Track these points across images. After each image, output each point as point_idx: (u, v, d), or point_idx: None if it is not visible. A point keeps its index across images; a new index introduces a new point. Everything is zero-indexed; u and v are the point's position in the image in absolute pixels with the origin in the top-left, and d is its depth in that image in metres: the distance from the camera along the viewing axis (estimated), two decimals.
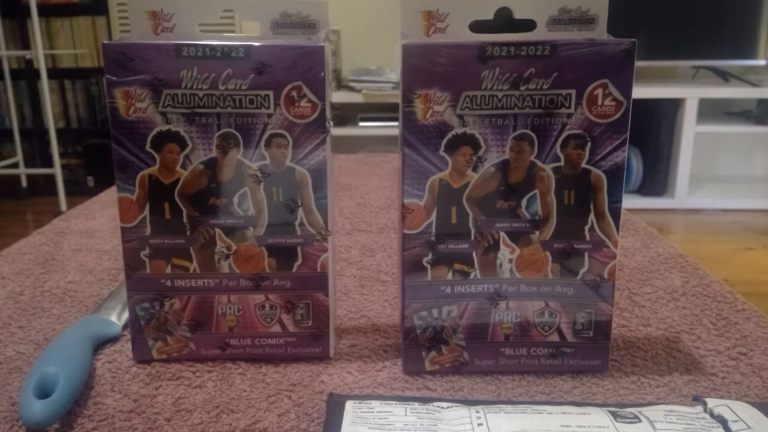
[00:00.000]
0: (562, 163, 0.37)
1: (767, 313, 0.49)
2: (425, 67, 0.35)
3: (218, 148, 0.37)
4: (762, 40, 2.49)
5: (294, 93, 0.37)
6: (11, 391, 0.38)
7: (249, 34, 0.41)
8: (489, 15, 0.37)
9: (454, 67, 0.35)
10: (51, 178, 2.75)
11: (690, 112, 2.45)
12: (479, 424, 0.31)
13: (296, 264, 0.39)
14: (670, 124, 2.51)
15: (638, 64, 2.40)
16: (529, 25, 0.37)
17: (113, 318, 0.45)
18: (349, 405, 0.34)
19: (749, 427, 0.31)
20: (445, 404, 0.34)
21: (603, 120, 0.36)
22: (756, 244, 2.16)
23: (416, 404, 0.34)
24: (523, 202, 0.37)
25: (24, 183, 2.95)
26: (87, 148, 3.03)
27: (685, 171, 2.52)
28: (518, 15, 0.37)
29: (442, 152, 0.36)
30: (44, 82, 2.57)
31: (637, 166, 2.56)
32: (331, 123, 0.38)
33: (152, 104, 0.37)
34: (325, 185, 0.38)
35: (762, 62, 2.51)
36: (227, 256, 0.39)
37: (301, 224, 0.39)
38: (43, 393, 0.34)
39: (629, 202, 2.53)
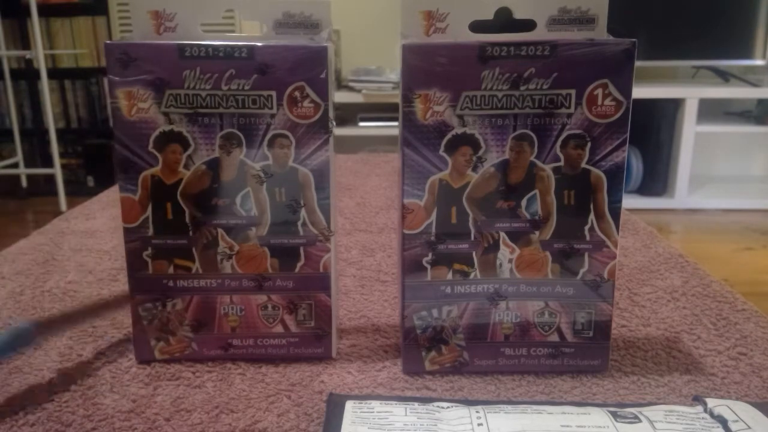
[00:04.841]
0: (562, 163, 0.37)
1: (767, 313, 0.49)
2: (425, 67, 0.35)
3: (221, 149, 0.38)
4: (761, 40, 2.49)
5: (297, 93, 0.37)
6: (11, 391, 0.38)
7: (250, 33, 0.41)
8: (489, 15, 0.37)
9: (454, 67, 0.35)
10: (51, 178, 2.75)
11: (690, 112, 2.45)
12: (479, 424, 0.31)
13: (299, 264, 0.40)
14: (670, 124, 2.51)
15: (638, 64, 2.40)
16: (529, 25, 0.37)
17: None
18: (349, 405, 0.34)
19: (749, 427, 0.31)
20: (445, 404, 0.34)
21: (603, 120, 0.36)
22: (756, 244, 2.16)
23: (416, 404, 0.34)
24: (523, 202, 0.37)
25: (24, 183, 2.95)
26: (87, 148, 3.02)
27: (685, 171, 2.52)
28: (518, 15, 0.37)
29: (442, 152, 0.36)
30: (44, 82, 2.57)
31: (637, 166, 2.56)
32: (334, 123, 0.38)
33: (155, 104, 0.37)
34: (327, 185, 0.38)
35: (762, 62, 2.51)
36: (230, 257, 0.39)
37: (304, 224, 0.39)
38: None
39: (629, 202, 2.53)
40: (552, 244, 0.38)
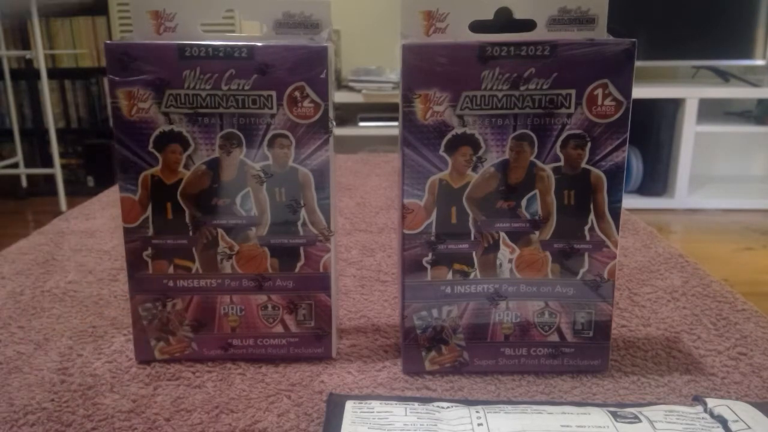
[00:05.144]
0: (562, 163, 0.37)
1: (767, 313, 0.49)
2: (425, 67, 0.35)
3: (221, 149, 0.38)
4: (762, 40, 2.49)
5: (297, 93, 0.37)
6: (11, 391, 0.38)
7: (250, 33, 0.41)
8: (489, 15, 0.37)
9: (454, 67, 0.35)
10: (51, 178, 2.75)
11: (690, 112, 2.45)
12: (479, 424, 0.31)
13: (299, 264, 0.40)
14: (670, 124, 2.51)
15: (638, 64, 2.40)
16: (529, 25, 0.37)
17: None
18: (349, 405, 0.34)
19: (749, 427, 0.31)
20: (445, 404, 0.34)
21: (603, 120, 0.36)
22: (756, 244, 2.16)
23: (416, 404, 0.34)
24: (523, 202, 0.37)
25: (24, 183, 2.95)
26: (87, 148, 3.02)
27: (685, 171, 2.52)
28: (518, 15, 0.37)
29: (442, 152, 0.36)
30: (44, 82, 2.57)
31: (637, 166, 2.56)
32: (334, 123, 0.38)
33: (155, 104, 0.37)
34: (327, 185, 0.38)
35: (762, 62, 2.51)
36: (230, 257, 0.39)
37: (304, 224, 0.39)
38: None
39: (629, 202, 2.53)
40: (552, 244, 0.38)
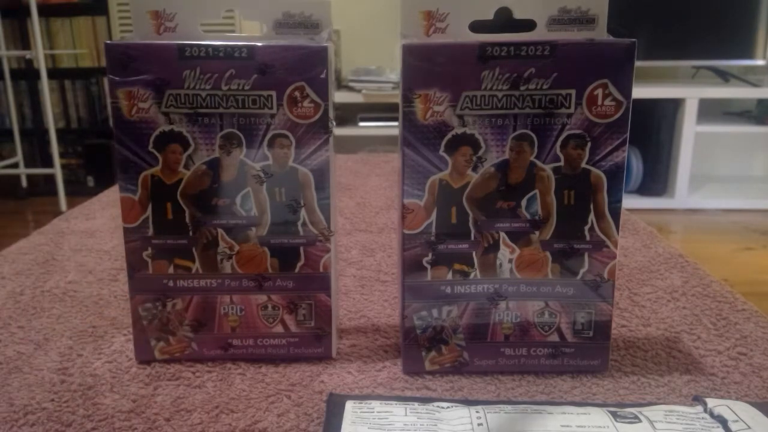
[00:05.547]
0: (562, 163, 0.37)
1: (767, 313, 0.49)
2: (425, 67, 0.35)
3: (221, 149, 0.38)
4: (762, 40, 2.49)
5: (297, 93, 0.37)
6: (11, 391, 0.38)
7: (250, 33, 0.41)
8: (489, 15, 0.37)
9: (454, 67, 0.35)
10: (51, 178, 2.75)
11: (690, 112, 2.45)
12: (479, 424, 0.31)
13: (299, 264, 0.40)
14: (670, 124, 2.51)
15: (638, 64, 2.40)
16: (529, 25, 0.37)
17: None
18: (349, 405, 0.34)
19: (749, 427, 0.31)
20: (445, 404, 0.34)
21: (603, 120, 0.36)
22: (756, 244, 2.16)
23: (416, 404, 0.34)
24: (523, 202, 0.37)
25: (24, 183, 2.95)
26: (87, 148, 3.02)
27: (685, 171, 2.51)
28: (518, 15, 0.37)
29: (442, 152, 0.36)
30: (44, 82, 2.56)
31: (637, 166, 2.56)
32: (334, 123, 0.38)
33: (155, 104, 0.37)
34: (327, 185, 0.38)
35: (762, 62, 2.51)
36: (230, 257, 0.39)
37: (304, 224, 0.39)
38: None
39: (629, 202, 2.53)
40: (552, 244, 0.38)
